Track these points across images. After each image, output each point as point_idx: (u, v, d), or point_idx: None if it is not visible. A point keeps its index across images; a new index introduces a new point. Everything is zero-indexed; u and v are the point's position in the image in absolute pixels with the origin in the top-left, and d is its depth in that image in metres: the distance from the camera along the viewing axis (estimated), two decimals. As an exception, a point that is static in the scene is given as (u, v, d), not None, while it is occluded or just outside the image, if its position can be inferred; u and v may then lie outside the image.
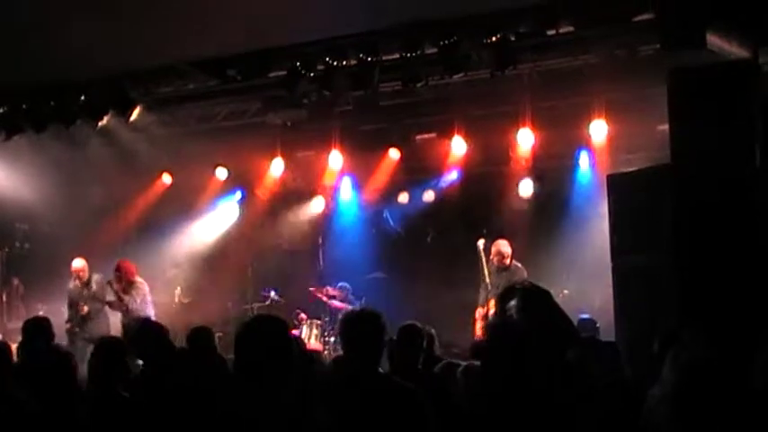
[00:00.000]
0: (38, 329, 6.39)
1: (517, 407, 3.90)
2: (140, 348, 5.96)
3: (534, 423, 3.91)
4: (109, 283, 10.90)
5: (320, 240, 11.85)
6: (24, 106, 10.43)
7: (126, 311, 10.76)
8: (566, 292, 10.52)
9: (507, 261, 10.55)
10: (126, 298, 10.76)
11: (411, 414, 3.95)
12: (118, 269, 10.92)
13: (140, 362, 6.11)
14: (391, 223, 11.93)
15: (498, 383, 4.01)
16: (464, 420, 4.31)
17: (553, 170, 11.88)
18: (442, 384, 5.06)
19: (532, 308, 4.78)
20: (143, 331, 6.25)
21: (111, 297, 10.92)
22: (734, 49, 7.29)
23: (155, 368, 5.78)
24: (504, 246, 10.60)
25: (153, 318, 10.74)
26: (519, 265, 10.60)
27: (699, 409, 3.37)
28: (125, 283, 10.87)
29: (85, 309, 10.95)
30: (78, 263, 11.23)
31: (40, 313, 11.12)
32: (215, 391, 4.09)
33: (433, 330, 6.45)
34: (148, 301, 10.95)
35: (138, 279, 10.99)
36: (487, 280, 10.62)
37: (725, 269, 6.47)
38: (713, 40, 7.14)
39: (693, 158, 6.72)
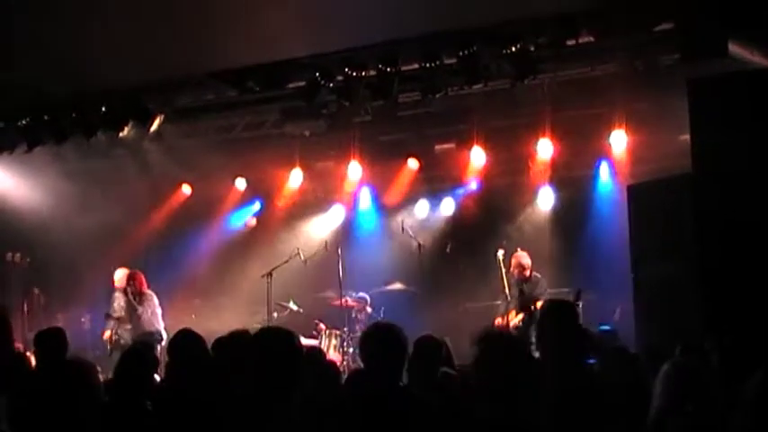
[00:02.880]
0: (50, 340, 6.39)
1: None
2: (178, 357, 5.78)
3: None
4: (124, 291, 10.93)
5: (339, 251, 11.82)
6: (46, 117, 10.49)
7: (138, 323, 10.77)
8: (585, 302, 10.44)
9: (527, 273, 10.52)
10: (140, 309, 10.77)
11: (429, 428, 3.91)
12: (131, 279, 10.94)
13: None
14: (410, 234, 11.89)
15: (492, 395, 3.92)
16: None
17: (573, 181, 11.82)
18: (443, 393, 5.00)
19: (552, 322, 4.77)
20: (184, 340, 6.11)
21: (119, 311, 10.94)
22: (756, 58, 7.24)
23: (179, 379, 5.64)
24: (523, 257, 10.56)
25: (162, 330, 10.77)
26: (539, 275, 10.56)
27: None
28: (137, 294, 10.88)
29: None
30: (116, 274, 11.38)
31: (59, 323, 11.22)
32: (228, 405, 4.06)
33: (448, 341, 6.40)
34: (158, 314, 10.96)
35: (148, 291, 11.01)
36: (507, 291, 10.57)
37: (747, 279, 6.40)
38: (735, 49, 7.09)
39: (715, 168, 6.66)
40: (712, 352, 5.22)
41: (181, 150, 12.20)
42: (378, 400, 3.98)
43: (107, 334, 10.93)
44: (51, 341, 6.37)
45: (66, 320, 11.70)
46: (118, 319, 10.99)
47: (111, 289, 11.42)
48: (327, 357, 9.84)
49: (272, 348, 3.58)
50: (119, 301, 11.04)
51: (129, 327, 10.92)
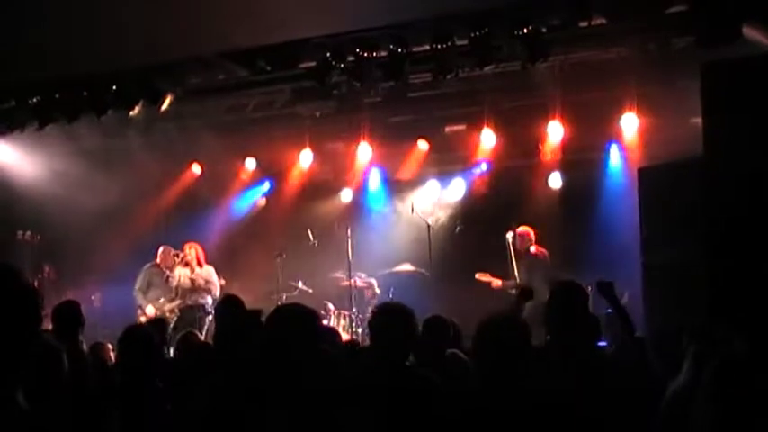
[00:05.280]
0: (65, 313, 6.41)
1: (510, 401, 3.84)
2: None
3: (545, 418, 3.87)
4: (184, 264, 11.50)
5: (348, 232, 11.85)
6: (57, 96, 10.51)
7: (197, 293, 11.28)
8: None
9: (526, 247, 10.66)
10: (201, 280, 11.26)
11: (436, 406, 3.94)
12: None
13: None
14: (420, 215, 11.90)
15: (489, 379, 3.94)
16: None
17: (583, 163, 11.79)
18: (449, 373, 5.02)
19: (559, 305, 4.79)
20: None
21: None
22: (770, 42, 7.19)
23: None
24: (522, 229, 10.74)
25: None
26: (539, 253, 10.63)
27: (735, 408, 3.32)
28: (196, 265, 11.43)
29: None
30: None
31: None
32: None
33: (456, 322, 6.42)
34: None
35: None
36: (516, 272, 10.61)
37: (757, 265, 6.38)
38: (749, 32, 7.04)
39: (726, 152, 6.63)
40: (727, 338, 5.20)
41: (191, 130, 12.22)
42: (385, 380, 4.00)
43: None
44: (67, 314, 6.39)
45: (76, 298, 11.72)
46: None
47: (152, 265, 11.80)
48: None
49: (288, 326, 3.60)
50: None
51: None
